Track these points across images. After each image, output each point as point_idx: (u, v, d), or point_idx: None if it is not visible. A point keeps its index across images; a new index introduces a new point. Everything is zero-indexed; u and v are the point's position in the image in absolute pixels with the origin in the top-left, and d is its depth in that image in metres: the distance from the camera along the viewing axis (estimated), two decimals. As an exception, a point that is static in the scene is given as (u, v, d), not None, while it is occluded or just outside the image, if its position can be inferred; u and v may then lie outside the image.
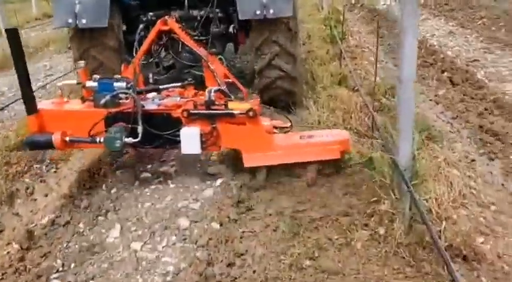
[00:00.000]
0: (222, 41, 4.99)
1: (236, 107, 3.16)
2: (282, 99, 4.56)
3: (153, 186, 3.50)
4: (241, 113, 3.08)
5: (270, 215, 2.88)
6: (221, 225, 2.87)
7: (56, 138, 3.16)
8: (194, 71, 4.63)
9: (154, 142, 3.29)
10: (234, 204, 3.03)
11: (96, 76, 3.31)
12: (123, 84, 3.19)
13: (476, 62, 6.55)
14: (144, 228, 2.97)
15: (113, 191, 3.46)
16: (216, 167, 3.57)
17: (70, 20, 4.05)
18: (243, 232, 2.76)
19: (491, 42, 7.58)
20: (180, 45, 4.32)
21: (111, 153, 3.95)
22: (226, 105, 3.15)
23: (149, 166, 3.85)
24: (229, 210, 2.98)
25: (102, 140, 3.11)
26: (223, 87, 3.52)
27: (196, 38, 4.44)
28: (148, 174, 3.71)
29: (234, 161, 3.47)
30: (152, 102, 3.32)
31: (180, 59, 4.46)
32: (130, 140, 3.09)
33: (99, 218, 3.14)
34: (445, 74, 5.99)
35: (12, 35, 2.96)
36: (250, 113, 3.05)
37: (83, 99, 3.34)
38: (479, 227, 2.62)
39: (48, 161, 4.14)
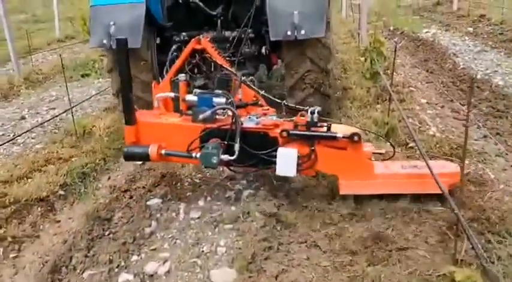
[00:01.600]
0: (254, 62, 4.95)
1: (339, 130, 3.05)
2: None
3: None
4: (344, 137, 2.97)
5: None
6: None
7: (152, 150, 3.15)
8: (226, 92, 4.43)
9: (249, 161, 3.21)
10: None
11: (197, 90, 3.35)
12: (223, 100, 3.16)
13: None
14: None
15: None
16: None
17: (105, 41, 4.13)
18: None
19: None
20: (213, 66, 4.22)
21: (86, 238, 3.01)
22: (329, 128, 3.05)
23: (134, 260, 2.82)
24: None
25: (198, 155, 3.08)
26: (318, 108, 3.18)
27: (228, 58, 4.37)
28: (130, 277, 2.68)
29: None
30: (250, 120, 3.24)
31: (211, 79, 4.32)
32: (226, 157, 3.06)
33: None
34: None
35: (121, 44, 3.04)
36: (355, 138, 2.94)
37: (181, 113, 3.34)
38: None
39: (10, 240, 3.21)
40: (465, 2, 15.73)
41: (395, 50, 4.62)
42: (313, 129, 3.05)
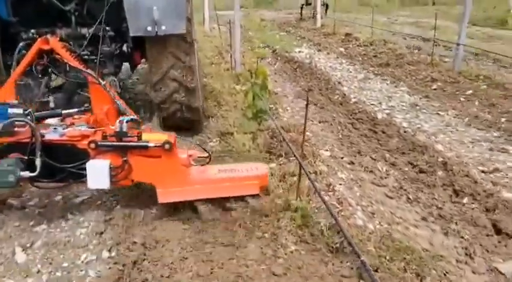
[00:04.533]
0: (115, 60, 4.70)
1: (151, 138, 2.97)
2: (182, 118, 4.57)
3: None
4: (156, 146, 2.91)
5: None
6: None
7: None
8: (85, 93, 3.97)
9: (57, 175, 3.04)
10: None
11: None
12: (20, 111, 2.95)
13: None
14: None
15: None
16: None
17: None
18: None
19: None
20: (68, 66, 3.71)
21: None
22: (139, 137, 2.95)
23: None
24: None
25: None
26: (136, 117, 3.12)
27: (86, 57, 4.26)
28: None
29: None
30: (54, 132, 3.07)
31: (68, 80, 3.92)
32: (26, 173, 2.85)
33: None
34: None
35: None
36: (166, 146, 2.90)
37: None
38: None
39: None
40: (327, 18, 15.62)
41: (306, 105, 2.98)
42: (124, 139, 2.95)
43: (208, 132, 5.04)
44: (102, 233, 3.05)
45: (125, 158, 2.95)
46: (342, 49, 10.42)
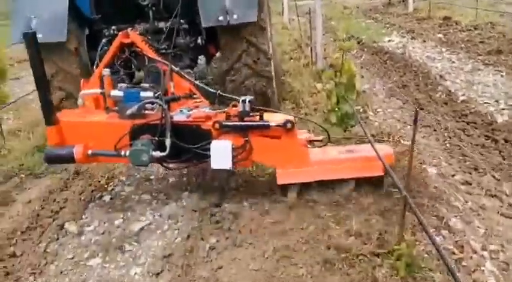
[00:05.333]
0: (191, 53, 4.72)
1: (272, 118, 2.98)
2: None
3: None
4: (277, 125, 2.91)
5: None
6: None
7: (77, 151, 3.02)
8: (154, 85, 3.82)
9: (183, 156, 3.10)
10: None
11: (123, 85, 3.23)
12: (151, 94, 3.07)
13: None
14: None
15: None
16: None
17: None
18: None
19: None
20: (146, 60, 3.89)
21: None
22: (261, 117, 2.97)
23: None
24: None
25: (127, 153, 2.95)
26: (251, 97, 3.06)
27: (163, 51, 4.30)
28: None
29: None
30: (181, 113, 3.13)
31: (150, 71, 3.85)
32: (158, 153, 2.93)
33: None
34: None
35: (30, 39, 2.87)
36: (288, 125, 2.89)
37: (107, 110, 3.26)
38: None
39: None
40: (420, 1, 14.05)
41: (415, 121, 2.21)
42: (246, 119, 2.96)
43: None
44: (158, 274, 2.58)
45: (247, 138, 2.97)
46: (440, 35, 9.08)
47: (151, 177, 3.83)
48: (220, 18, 3.87)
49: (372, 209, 2.87)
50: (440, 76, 6.16)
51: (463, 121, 4.59)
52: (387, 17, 13.18)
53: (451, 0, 12.59)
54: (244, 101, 2.97)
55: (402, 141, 4.18)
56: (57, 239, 2.98)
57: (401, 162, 3.22)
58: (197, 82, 3.58)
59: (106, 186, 3.69)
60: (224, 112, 3.04)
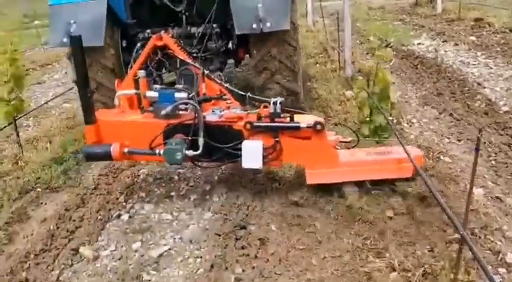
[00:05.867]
0: (221, 56, 4.88)
1: (302, 119, 3.04)
2: None
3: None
4: (307, 126, 2.97)
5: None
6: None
7: (114, 149, 3.12)
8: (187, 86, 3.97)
9: (215, 155, 3.18)
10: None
11: (158, 86, 3.33)
12: (185, 95, 3.15)
13: None
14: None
15: None
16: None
17: (65, 40, 4.03)
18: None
19: None
20: (178, 62, 3.99)
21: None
22: (292, 118, 3.03)
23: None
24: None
25: (162, 152, 3.03)
26: (281, 99, 3.10)
27: (195, 55, 4.46)
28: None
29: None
30: (213, 114, 3.19)
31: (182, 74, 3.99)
32: (191, 152, 3.01)
33: None
34: None
35: (76, 41, 2.98)
36: (318, 127, 2.95)
37: (142, 110, 3.35)
38: None
39: None
40: (449, 2, 13.49)
41: (476, 155, 1.91)
42: (276, 120, 3.03)
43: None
44: (177, 313, 2.35)
45: (277, 139, 3.04)
46: (473, 38, 8.61)
47: (172, 193, 3.61)
48: (254, 26, 3.98)
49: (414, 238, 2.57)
50: (478, 83, 5.76)
51: (508, 135, 4.22)
52: (415, 18, 12.67)
53: (481, 0, 12.03)
54: (275, 103, 3.03)
55: (442, 158, 3.87)
56: (71, 265, 2.77)
57: (449, 186, 2.92)
58: (227, 84, 3.66)
59: (124, 203, 3.48)
60: (255, 113, 3.11)
